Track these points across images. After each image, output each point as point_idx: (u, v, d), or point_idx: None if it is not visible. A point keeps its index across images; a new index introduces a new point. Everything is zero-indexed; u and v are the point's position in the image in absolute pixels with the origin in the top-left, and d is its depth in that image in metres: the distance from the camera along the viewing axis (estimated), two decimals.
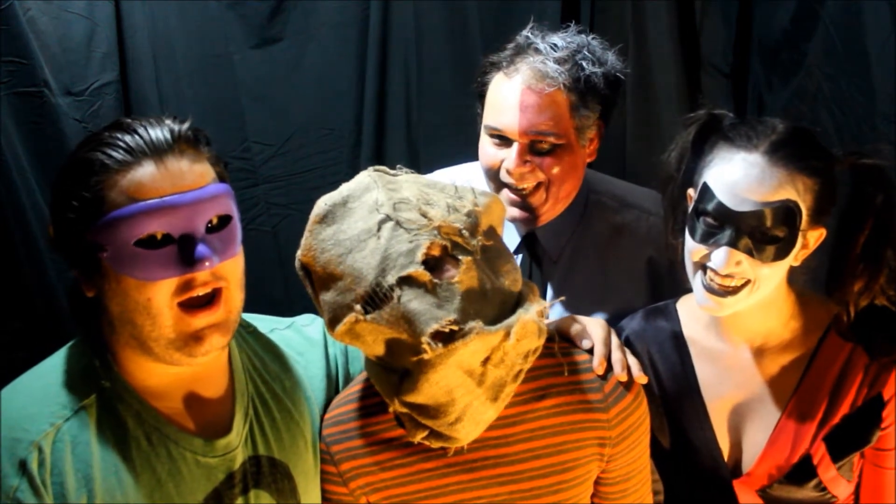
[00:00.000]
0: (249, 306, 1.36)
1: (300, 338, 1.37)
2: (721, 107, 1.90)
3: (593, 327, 1.29)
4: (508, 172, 1.52)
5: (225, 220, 1.16)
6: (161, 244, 1.10)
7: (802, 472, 1.34)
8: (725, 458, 1.40)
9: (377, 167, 1.20)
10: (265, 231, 2.17)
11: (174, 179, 1.11)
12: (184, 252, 1.10)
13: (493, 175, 1.57)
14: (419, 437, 1.17)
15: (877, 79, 1.53)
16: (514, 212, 1.56)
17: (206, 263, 1.10)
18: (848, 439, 1.33)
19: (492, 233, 1.19)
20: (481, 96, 1.60)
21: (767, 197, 1.22)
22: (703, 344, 1.42)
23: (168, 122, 1.14)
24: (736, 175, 1.25)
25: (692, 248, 1.29)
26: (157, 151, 1.11)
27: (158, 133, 1.12)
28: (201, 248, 1.10)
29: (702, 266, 1.29)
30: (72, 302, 1.19)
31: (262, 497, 1.22)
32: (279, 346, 1.34)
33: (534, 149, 1.52)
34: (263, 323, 1.37)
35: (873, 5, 1.55)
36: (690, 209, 1.31)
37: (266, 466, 1.24)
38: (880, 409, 1.31)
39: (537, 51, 1.52)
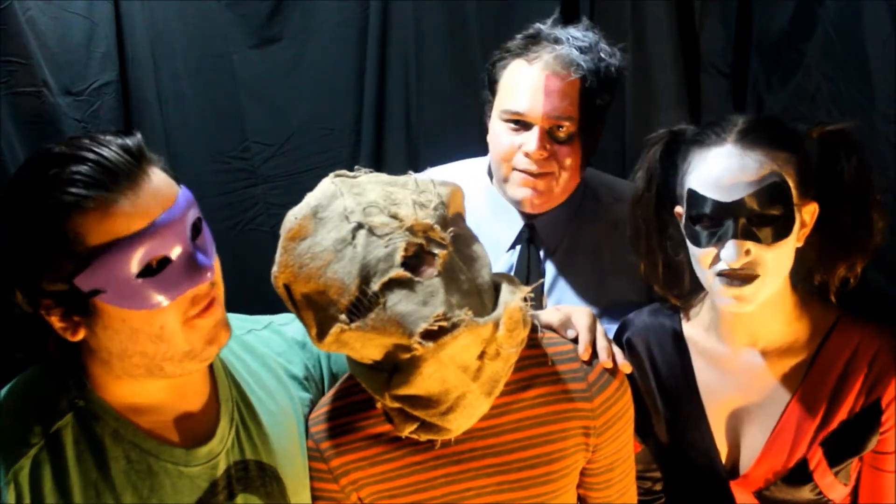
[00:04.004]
0: (249, 306, 1.36)
1: (279, 338, 1.35)
2: (721, 107, 1.93)
3: (577, 316, 1.29)
4: (527, 155, 1.53)
5: (199, 223, 1.13)
6: (159, 268, 1.06)
7: (799, 475, 1.34)
8: (723, 459, 1.40)
9: (338, 172, 1.19)
10: (265, 231, 2.16)
11: (156, 200, 1.06)
12: (188, 266, 1.07)
13: (504, 160, 1.57)
14: (408, 430, 1.17)
15: (876, 79, 1.53)
16: (525, 192, 1.57)
17: (208, 274, 1.09)
18: (845, 445, 1.33)
19: (457, 219, 1.19)
20: (492, 83, 1.60)
21: (753, 178, 1.23)
22: (702, 345, 1.42)
23: (114, 139, 1.07)
24: (716, 169, 1.25)
25: (700, 255, 1.28)
26: (128, 176, 1.04)
27: (116, 155, 1.04)
28: (199, 257, 1.09)
29: (716, 273, 1.27)
30: (35, 342, 1.14)
31: (251, 500, 1.21)
32: (258, 348, 1.33)
33: (552, 135, 1.53)
34: (239, 323, 1.33)
35: (873, 6, 1.54)
36: (684, 220, 1.31)
37: (254, 470, 1.23)
38: (878, 416, 1.31)
39: (558, 40, 1.54)
